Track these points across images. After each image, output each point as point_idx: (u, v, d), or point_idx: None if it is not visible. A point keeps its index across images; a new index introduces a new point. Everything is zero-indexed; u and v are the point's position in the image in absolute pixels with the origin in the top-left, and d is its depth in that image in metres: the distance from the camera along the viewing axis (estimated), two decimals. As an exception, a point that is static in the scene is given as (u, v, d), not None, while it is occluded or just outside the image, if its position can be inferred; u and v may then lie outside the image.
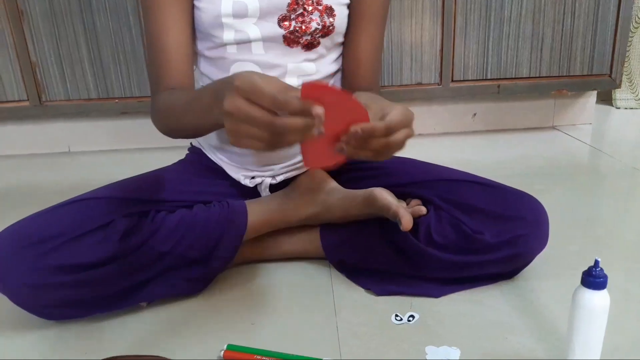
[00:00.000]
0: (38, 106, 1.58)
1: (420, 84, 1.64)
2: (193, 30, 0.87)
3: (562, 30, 1.64)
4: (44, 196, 0.83)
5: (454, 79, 1.64)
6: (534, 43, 1.64)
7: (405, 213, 0.82)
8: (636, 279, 0.88)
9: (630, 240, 1.03)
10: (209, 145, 0.96)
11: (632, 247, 1.00)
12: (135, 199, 0.84)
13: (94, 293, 0.78)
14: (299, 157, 0.93)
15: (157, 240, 0.81)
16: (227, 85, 0.56)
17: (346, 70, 0.95)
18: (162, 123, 0.81)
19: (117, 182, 0.89)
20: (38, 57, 1.54)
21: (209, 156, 0.96)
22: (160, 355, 0.64)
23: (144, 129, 1.63)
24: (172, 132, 0.81)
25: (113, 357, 0.53)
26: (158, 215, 0.84)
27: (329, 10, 0.86)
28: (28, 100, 1.58)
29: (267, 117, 0.53)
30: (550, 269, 0.90)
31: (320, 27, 0.86)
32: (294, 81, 0.88)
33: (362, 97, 0.66)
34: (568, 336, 0.64)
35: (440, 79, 1.64)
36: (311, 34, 0.86)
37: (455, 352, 0.70)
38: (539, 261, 0.88)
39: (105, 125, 1.68)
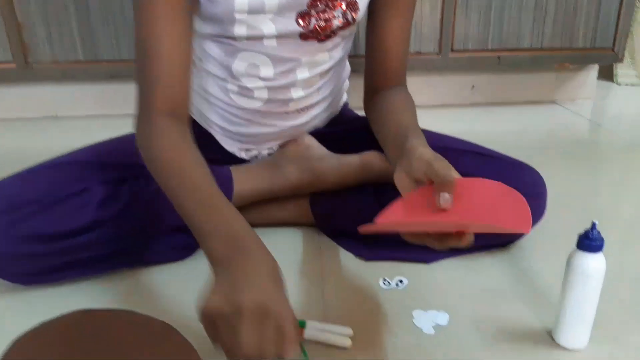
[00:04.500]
0: (24, 68, 1.53)
1: (419, 53, 1.59)
2: (191, 34, 0.73)
3: (566, 1, 1.59)
4: (31, 162, 0.79)
5: (454, 48, 1.60)
6: (536, 14, 1.59)
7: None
8: (632, 251, 0.86)
9: (628, 212, 1.00)
10: (205, 115, 0.90)
11: (629, 219, 0.97)
12: (114, 163, 0.80)
13: (71, 260, 0.74)
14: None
15: (136, 209, 0.77)
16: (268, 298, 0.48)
17: (372, 60, 0.87)
18: (152, 168, 0.65)
19: (94, 145, 0.84)
20: (24, 17, 1.49)
21: (202, 125, 0.91)
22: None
23: (133, 94, 1.58)
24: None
25: (84, 309, 0.51)
26: (138, 182, 0.79)
27: (352, 5, 0.78)
28: (14, 61, 1.53)
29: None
30: (545, 239, 0.88)
31: (342, 24, 0.79)
32: (305, 73, 0.82)
33: (427, 154, 0.61)
34: (561, 301, 0.62)
35: (439, 48, 1.59)
36: (332, 31, 0.79)
37: (444, 317, 0.68)
38: (534, 231, 0.85)
39: (93, 89, 1.64)
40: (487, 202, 0.58)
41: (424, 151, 0.62)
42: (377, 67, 0.87)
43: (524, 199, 0.56)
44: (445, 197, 0.56)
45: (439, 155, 0.61)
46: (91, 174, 0.77)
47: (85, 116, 1.66)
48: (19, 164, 0.81)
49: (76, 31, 1.51)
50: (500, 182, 0.59)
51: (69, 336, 0.49)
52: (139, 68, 0.69)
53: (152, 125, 0.66)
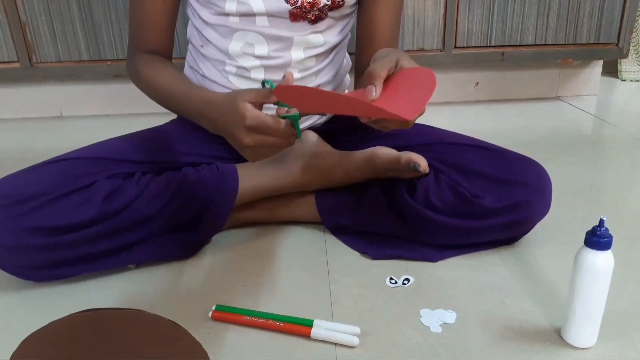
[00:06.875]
0: (29, 67, 1.54)
1: (422, 49, 1.59)
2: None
3: (570, -4, 1.58)
4: (36, 162, 0.80)
5: (457, 45, 1.59)
6: (540, 9, 1.58)
7: (420, 156, 0.81)
8: (638, 246, 0.86)
9: (634, 208, 1.00)
10: None
11: (635, 215, 0.97)
12: (120, 159, 0.81)
13: (75, 255, 0.75)
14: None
15: (141, 204, 0.78)
16: (235, 125, 0.66)
17: (361, 43, 0.90)
18: (140, 88, 0.86)
19: (101, 142, 0.85)
20: (28, 16, 1.49)
21: None
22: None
23: (137, 93, 1.58)
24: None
25: (92, 309, 0.51)
26: (144, 178, 0.80)
27: None
28: (18, 61, 1.53)
29: (281, 142, 0.67)
30: (552, 235, 0.88)
31: (329, 2, 0.81)
32: (300, 54, 0.84)
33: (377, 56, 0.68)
34: (569, 299, 0.62)
35: (442, 45, 1.59)
36: (319, 9, 0.81)
37: (451, 316, 0.68)
38: (540, 227, 0.85)
39: (98, 88, 1.64)
40: (397, 90, 0.60)
41: (376, 56, 0.68)
42: (365, 48, 0.89)
43: (434, 85, 0.60)
44: (368, 88, 0.62)
45: (390, 53, 0.67)
46: (98, 170, 0.78)
47: (90, 116, 1.66)
48: (23, 163, 0.81)
49: (79, 29, 1.51)
50: (423, 68, 0.62)
51: (78, 336, 0.49)
52: (131, 16, 0.86)
53: (136, 58, 0.86)
